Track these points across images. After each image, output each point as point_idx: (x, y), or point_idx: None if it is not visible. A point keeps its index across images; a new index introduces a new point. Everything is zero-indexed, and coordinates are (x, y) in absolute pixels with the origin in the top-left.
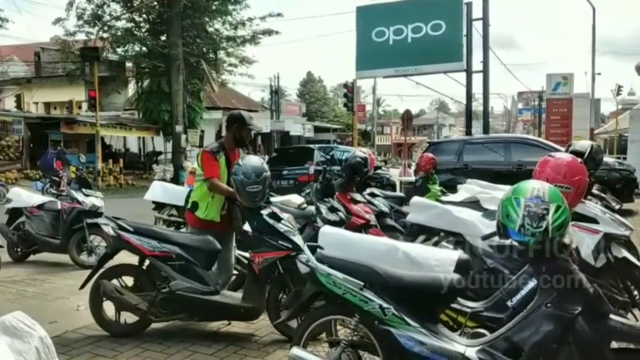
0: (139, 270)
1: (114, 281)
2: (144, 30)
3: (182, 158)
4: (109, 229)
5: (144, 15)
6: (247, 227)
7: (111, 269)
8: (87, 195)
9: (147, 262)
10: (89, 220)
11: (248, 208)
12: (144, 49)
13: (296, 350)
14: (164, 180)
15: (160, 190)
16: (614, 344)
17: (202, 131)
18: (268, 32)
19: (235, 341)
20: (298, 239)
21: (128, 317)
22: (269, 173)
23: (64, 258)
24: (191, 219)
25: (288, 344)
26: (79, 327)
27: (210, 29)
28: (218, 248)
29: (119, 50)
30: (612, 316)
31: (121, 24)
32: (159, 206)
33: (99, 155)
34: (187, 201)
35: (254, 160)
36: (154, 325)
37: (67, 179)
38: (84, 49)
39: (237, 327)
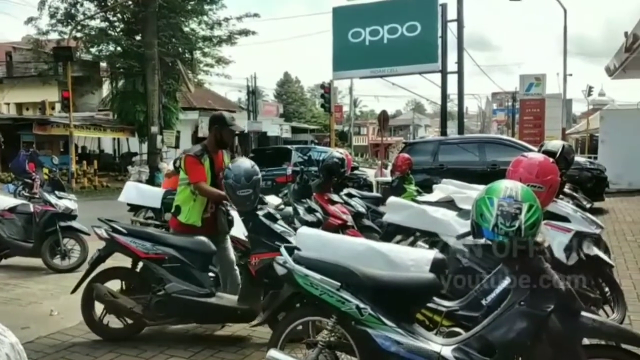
0: (132, 273)
1: (107, 284)
2: (118, 29)
3: (158, 159)
4: (101, 232)
5: (119, 15)
6: (233, 232)
7: (103, 273)
8: (60, 198)
9: (140, 264)
10: (63, 224)
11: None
12: (118, 48)
13: (273, 352)
14: (139, 181)
15: (134, 191)
16: (586, 341)
17: (178, 132)
18: (245, 32)
19: (212, 344)
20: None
21: (112, 320)
22: (259, 176)
23: (37, 262)
24: (174, 224)
25: (265, 346)
26: (52, 333)
27: (186, 29)
28: (213, 250)
29: (93, 50)
30: (583, 313)
31: (95, 23)
32: (134, 208)
33: (73, 156)
34: (163, 203)
35: (244, 164)
36: None
37: (39, 181)
38: (57, 48)
39: (214, 329)
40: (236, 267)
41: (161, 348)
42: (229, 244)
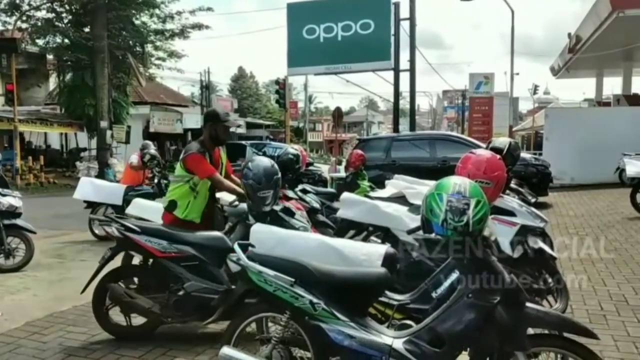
0: (145, 272)
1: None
2: (66, 21)
3: (108, 155)
4: (112, 230)
5: (66, 6)
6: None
7: (114, 272)
8: (4, 195)
9: (150, 262)
10: (6, 222)
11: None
12: (66, 41)
13: (226, 349)
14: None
15: (91, 188)
16: (530, 330)
17: (129, 127)
18: (198, 27)
19: (164, 342)
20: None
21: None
22: (279, 175)
23: None
24: (168, 219)
25: (218, 342)
26: None
27: (137, 22)
28: (230, 246)
29: (39, 41)
30: (528, 304)
31: (41, 14)
32: (91, 205)
33: (18, 152)
34: (125, 200)
35: (263, 163)
36: (74, 328)
37: None
38: (1, 39)
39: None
40: None
41: (111, 348)
42: None
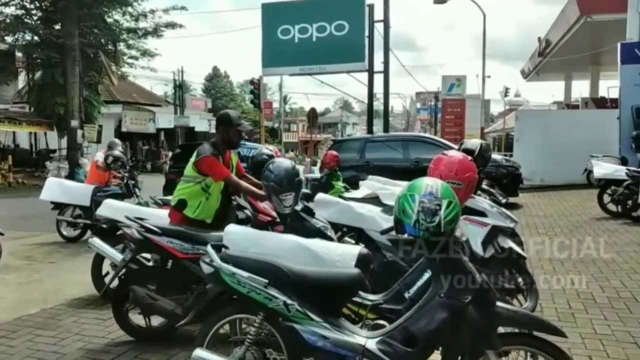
0: (165, 273)
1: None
2: (35, 18)
3: (79, 155)
4: (132, 232)
5: (36, 2)
6: None
7: (131, 273)
8: None
9: (170, 263)
10: None
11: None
12: (36, 38)
13: (199, 352)
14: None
15: (58, 188)
16: (501, 329)
17: (100, 126)
18: (171, 25)
19: (136, 345)
20: (332, 233)
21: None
22: (301, 177)
23: None
24: (176, 218)
25: (191, 345)
26: None
27: (110, 20)
28: None
29: (8, 38)
30: (499, 303)
31: (10, 10)
32: (59, 206)
33: None
34: (93, 201)
35: (284, 164)
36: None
37: None
38: None
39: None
40: None
41: (82, 352)
42: None
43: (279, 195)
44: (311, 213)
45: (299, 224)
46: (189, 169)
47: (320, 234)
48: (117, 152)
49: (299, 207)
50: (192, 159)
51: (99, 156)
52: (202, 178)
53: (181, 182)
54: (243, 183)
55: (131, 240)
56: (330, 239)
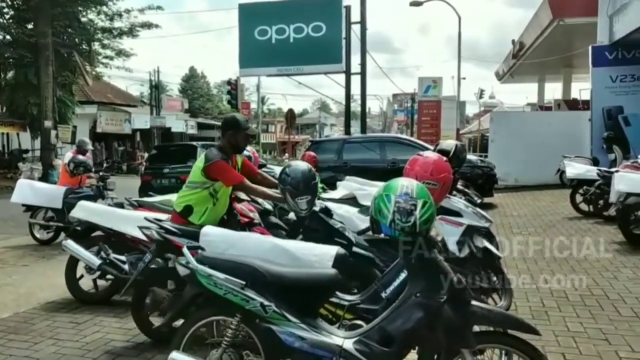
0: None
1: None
2: (7, 16)
3: (52, 156)
4: (151, 233)
5: (8, 1)
6: None
7: (150, 274)
8: None
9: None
10: None
11: None
12: (8, 37)
13: (175, 354)
14: (32, 179)
15: (29, 190)
16: (476, 328)
17: (75, 127)
18: (147, 25)
19: (111, 349)
20: (350, 233)
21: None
22: (317, 179)
23: None
24: (181, 223)
25: (167, 347)
26: None
27: (84, 19)
28: None
29: None
30: (473, 302)
31: None
32: (31, 209)
33: None
34: (65, 203)
35: (301, 167)
36: (15, 337)
37: None
38: None
39: (115, 333)
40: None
41: (56, 355)
42: None
43: (295, 199)
44: (329, 214)
45: (317, 224)
46: (195, 174)
47: (338, 234)
48: (80, 157)
49: (317, 208)
50: (200, 164)
51: (69, 157)
52: (211, 183)
53: (185, 188)
54: (258, 187)
55: (150, 242)
56: (348, 239)
